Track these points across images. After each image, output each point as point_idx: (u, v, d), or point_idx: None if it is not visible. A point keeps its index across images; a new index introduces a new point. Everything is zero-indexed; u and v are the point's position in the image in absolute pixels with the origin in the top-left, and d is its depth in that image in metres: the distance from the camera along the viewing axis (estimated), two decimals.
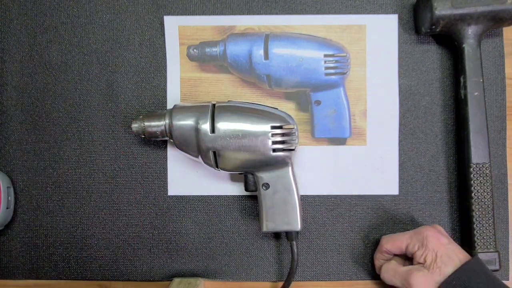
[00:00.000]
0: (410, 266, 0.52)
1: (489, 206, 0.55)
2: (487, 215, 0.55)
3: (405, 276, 0.50)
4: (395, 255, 0.55)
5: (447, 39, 0.58)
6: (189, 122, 0.52)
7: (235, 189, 0.60)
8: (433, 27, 0.55)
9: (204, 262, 0.60)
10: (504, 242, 0.59)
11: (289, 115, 0.53)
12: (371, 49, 0.59)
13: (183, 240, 0.60)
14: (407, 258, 0.54)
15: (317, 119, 0.59)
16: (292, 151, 0.53)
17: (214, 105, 0.53)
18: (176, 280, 0.58)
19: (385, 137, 0.59)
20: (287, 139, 0.52)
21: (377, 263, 0.57)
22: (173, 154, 0.60)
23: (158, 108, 0.60)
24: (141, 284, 0.60)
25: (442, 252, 0.50)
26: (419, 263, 0.51)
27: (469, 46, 0.55)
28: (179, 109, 0.54)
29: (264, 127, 0.51)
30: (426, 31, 0.56)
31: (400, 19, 0.59)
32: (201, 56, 0.59)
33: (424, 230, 0.52)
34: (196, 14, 0.60)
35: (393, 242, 0.54)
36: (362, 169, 0.60)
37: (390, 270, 0.53)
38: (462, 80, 0.56)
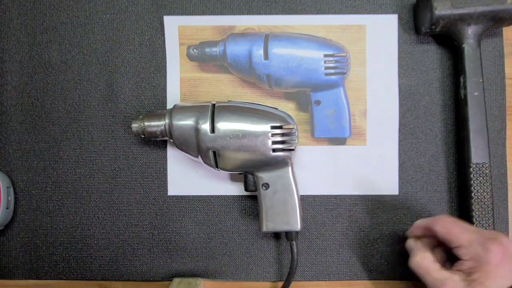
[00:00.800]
0: (447, 274, 0.45)
1: (489, 206, 0.55)
2: (487, 215, 0.55)
3: (436, 284, 0.45)
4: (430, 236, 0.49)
5: (447, 39, 0.58)
6: (189, 122, 0.52)
7: (235, 189, 0.60)
8: (433, 27, 0.55)
9: (204, 262, 0.60)
10: None
11: (289, 115, 0.53)
12: (371, 49, 0.59)
13: (183, 240, 0.60)
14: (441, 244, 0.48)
15: (317, 119, 0.59)
16: (292, 151, 0.53)
17: (214, 105, 0.53)
18: (176, 280, 0.58)
19: (385, 137, 0.59)
20: (287, 139, 0.52)
21: (410, 242, 0.51)
22: (173, 154, 0.60)
23: (158, 108, 0.60)
24: (141, 284, 0.60)
25: (494, 278, 0.43)
26: (462, 271, 0.44)
27: (469, 46, 0.55)
28: (179, 109, 0.54)
29: (264, 127, 0.51)
30: (426, 31, 0.56)
31: (400, 19, 0.59)
32: (201, 56, 0.59)
33: (494, 248, 0.43)
34: (196, 14, 0.60)
35: (448, 230, 0.46)
36: (362, 169, 0.60)
37: (423, 268, 0.47)
38: (462, 80, 0.56)
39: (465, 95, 0.56)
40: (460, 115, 0.57)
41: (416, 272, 0.48)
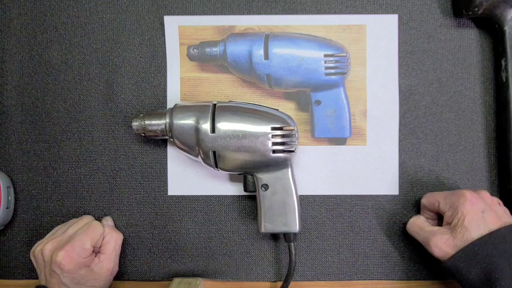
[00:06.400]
0: (437, 228, 0.52)
1: None
2: None
3: (427, 236, 0.51)
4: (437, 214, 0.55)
5: (486, 22, 0.58)
6: (189, 121, 0.52)
7: (235, 189, 0.60)
8: (475, 9, 0.55)
9: (204, 262, 0.60)
10: None
11: (289, 117, 0.53)
12: (371, 49, 0.59)
13: (183, 240, 0.60)
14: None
15: (317, 119, 0.59)
16: (292, 153, 0.53)
17: (215, 105, 0.53)
18: (176, 280, 0.58)
19: (385, 137, 0.59)
20: (287, 141, 0.52)
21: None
22: (173, 154, 0.60)
23: (158, 108, 0.60)
24: (141, 284, 0.60)
25: (471, 218, 0.48)
26: (448, 223, 0.51)
27: (510, 28, 0.55)
28: (180, 108, 0.54)
29: (265, 128, 0.51)
30: (467, 13, 0.56)
31: (400, 19, 0.59)
32: (201, 56, 0.59)
33: (463, 192, 0.51)
34: (196, 14, 0.60)
35: (428, 198, 0.55)
36: (362, 169, 0.60)
37: (416, 226, 0.54)
38: (503, 63, 0.56)
39: (507, 78, 0.55)
40: (501, 98, 0.57)
41: (411, 232, 0.55)
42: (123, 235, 0.60)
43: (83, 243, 0.53)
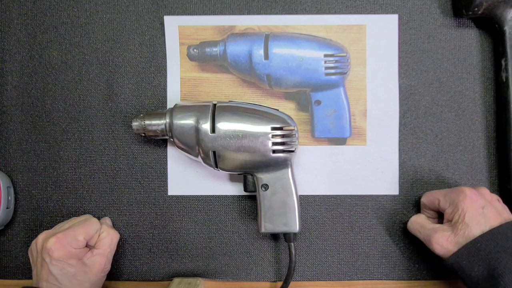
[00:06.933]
0: (438, 225, 0.52)
1: None
2: None
3: (428, 233, 0.51)
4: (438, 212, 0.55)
5: (487, 22, 0.58)
6: (189, 121, 0.52)
7: (235, 189, 0.60)
8: (475, 9, 0.55)
9: (204, 262, 0.60)
10: None
11: (289, 117, 0.53)
12: (371, 49, 0.59)
13: (183, 240, 0.60)
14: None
15: (317, 119, 0.59)
16: (292, 153, 0.53)
17: (215, 105, 0.53)
18: (176, 280, 0.58)
19: (385, 137, 0.59)
20: (287, 141, 0.52)
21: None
22: (173, 154, 0.60)
23: (158, 108, 0.60)
24: (141, 284, 0.60)
25: (471, 215, 0.48)
26: (448, 220, 0.51)
27: (510, 28, 0.55)
28: (180, 108, 0.54)
29: (265, 128, 0.51)
30: (467, 13, 0.56)
31: (400, 19, 0.59)
32: (201, 56, 0.59)
33: (462, 189, 0.51)
34: (196, 14, 0.60)
35: (428, 196, 0.55)
36: (362, 169, 0.60)
37: (417, 224, 0.54)
38: (503, 63, 0.56)
39: (507, 78, 0.56)
40: (501, 98, 0.57)
41: (412, 230, 0.55)
42: (123, 235, 0.60)
43: (76, 234, 0.52)
